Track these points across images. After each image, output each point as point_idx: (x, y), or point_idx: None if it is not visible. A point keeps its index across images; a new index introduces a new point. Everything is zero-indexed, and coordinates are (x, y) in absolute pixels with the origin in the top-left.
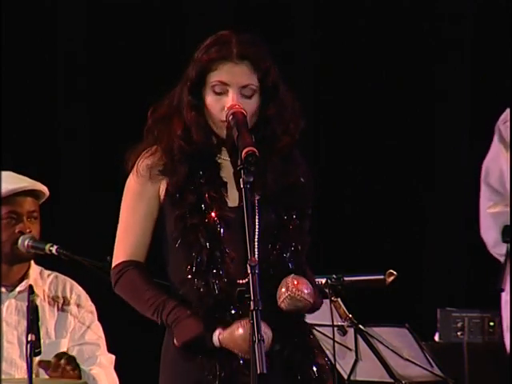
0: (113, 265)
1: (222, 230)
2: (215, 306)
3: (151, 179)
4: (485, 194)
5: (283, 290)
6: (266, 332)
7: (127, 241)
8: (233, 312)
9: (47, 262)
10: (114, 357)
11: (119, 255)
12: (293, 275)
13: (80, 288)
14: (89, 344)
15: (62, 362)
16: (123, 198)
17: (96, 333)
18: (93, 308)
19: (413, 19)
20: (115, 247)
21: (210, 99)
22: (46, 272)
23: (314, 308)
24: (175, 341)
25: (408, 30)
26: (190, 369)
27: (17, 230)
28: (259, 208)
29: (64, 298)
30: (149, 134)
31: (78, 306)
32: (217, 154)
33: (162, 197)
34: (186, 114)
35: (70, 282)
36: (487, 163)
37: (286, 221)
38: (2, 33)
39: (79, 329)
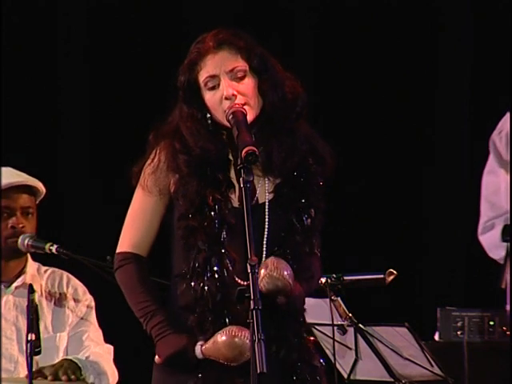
0: (117, 250)
1: (224, 232)
2: (209, 310)
3: (160, 193)
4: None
5: (262, 270)
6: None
7: (133, 231)
8: (226, 320)
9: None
10: (112, 347)
11: (123, 244)
12: (272, 257)
13: (77, 281)
14: (81, 331)
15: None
16: (135, 191)
17: (91, 324)
18: (90, 301)
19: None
20: (121, 234)
21: (207, 97)
22: (43, 268)
23: (295, 296)
24: (157, 357)
25: (409, 22)
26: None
27: (9, 225)
28: (269, 209)
29: (61, 292)
30: (151, 150)
31: (75, 299)
32: (227, 152)
33: (172, 192)
34: (182, 127)
35: (66, 275)
36: (485, 177)
37: (296, 223)
38: (1, 31)
39: (77, 322)
